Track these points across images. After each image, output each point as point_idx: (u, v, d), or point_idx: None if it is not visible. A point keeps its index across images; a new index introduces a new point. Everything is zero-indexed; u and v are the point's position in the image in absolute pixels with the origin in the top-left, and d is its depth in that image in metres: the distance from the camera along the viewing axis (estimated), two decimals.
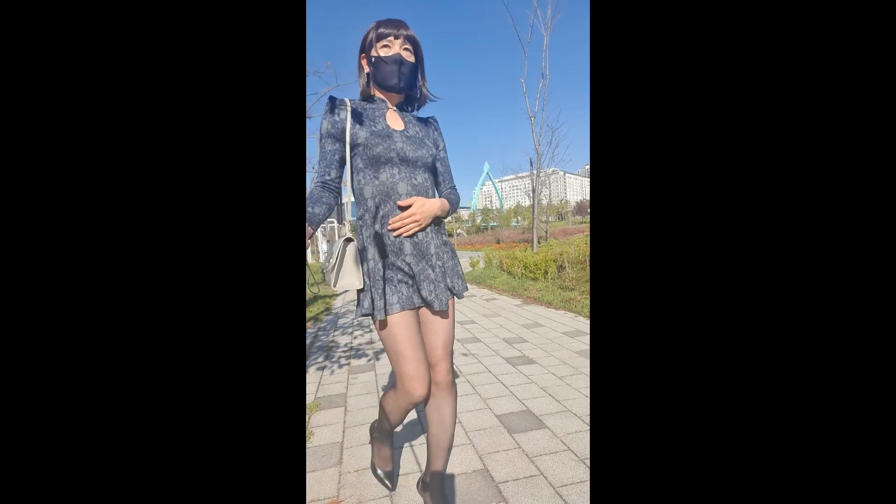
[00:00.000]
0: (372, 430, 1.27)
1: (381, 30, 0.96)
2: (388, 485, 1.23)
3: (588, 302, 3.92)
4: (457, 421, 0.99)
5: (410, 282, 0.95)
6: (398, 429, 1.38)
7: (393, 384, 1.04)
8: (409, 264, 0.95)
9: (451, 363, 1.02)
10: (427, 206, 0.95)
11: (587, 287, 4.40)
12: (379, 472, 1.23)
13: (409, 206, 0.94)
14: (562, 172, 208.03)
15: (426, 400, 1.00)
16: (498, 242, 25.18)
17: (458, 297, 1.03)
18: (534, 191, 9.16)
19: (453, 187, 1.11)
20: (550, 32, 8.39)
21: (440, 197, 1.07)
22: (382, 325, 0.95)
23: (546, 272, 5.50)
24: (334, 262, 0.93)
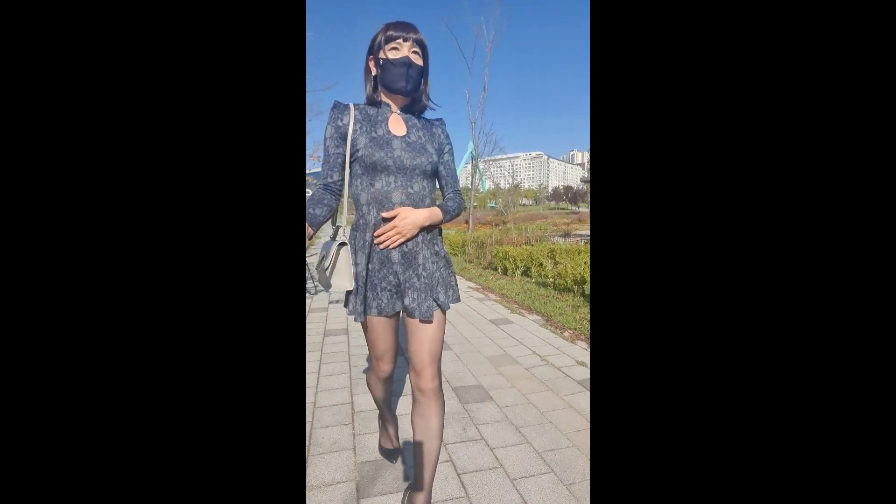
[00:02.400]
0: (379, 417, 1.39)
1: (391, 32, 0.96)
2: (391, 461, 1.37)
3: (476, 271, 5.63)
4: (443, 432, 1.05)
5: (394, 290, 0.99)
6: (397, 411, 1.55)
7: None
8: (395, 273, 0.98)
9: (438, 370, 1.02)
10: (411, 218, 0.95)
11: (479, 261, 6.11)
12: (383, 447, 1.38)
13: (393, 217, 0.96)
14: (546, 157, 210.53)
15: (391, 377, 1.16)
16: (465, 223, 26.81)
17: (444, 309, 1.02)
18: (472, 182, 10.82)
19: (456, 191, 1.11)
20: (492, 53, 9.84)
21: (441, 202, 1.07)
22: (363, 324, 1.03)
23: (465, 249, 7.21)
24: (328, 265, 0.97)
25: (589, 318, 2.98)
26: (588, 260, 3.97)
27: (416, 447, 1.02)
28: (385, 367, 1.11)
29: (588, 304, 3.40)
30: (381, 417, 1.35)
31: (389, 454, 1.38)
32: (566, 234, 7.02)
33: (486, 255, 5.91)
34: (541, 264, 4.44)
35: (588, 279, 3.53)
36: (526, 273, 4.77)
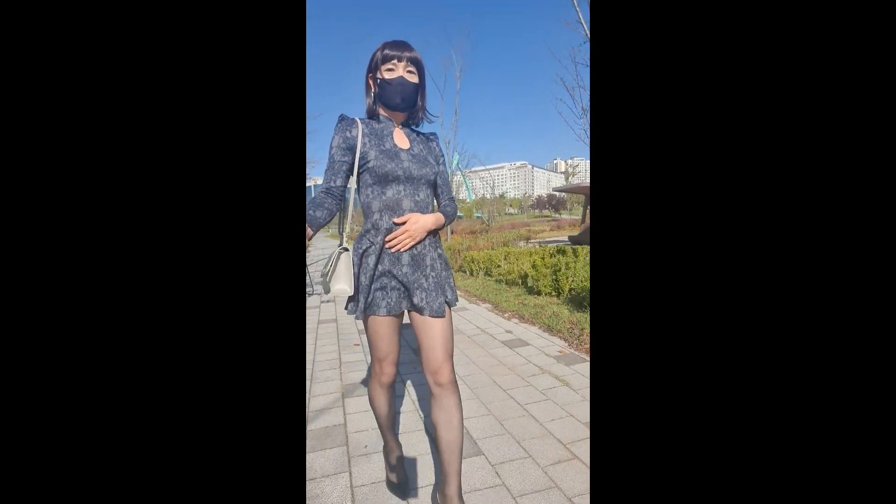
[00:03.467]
0: (384, 453, 1.33)
1: (387, 52, 1.04)
2: (402, 497, 1.27)
3: None
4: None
5: (402, 289, 1.05)
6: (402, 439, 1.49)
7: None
8: (405, 274, 1.04)
9: (452, 366, 1.08)
10: (421, 222, 1.04)
11: (452, 266, 6.92)
12: (391, 482, 1.30)
13: (404, 222, 1.03)
14: (530, 166, 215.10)
15: (393, 381, 1.14)
16: (452, 233, 27.87)
17: (451, 306, 1.10)
18: (457, 193, 11.83)
19: (451, 199, 1.20)
20: (468, 71, 10.86)
21: (439, 209, 1.16)
22: (368, 322, 1.06)
23: None
24: (329, 270, 1.02)
25: (525, 303, 3.83)
26: (533, 260, 4.83)
27: (441, 441, 1.03)
28: (388, 369, 1.12)
29: (528, 293, 4.25)
30: (385, 449, 1.32)
31: (399, 489, 1.28)
32: (527, 239, 7.86)
33: (458, 260, 6.76)
34: (498, 265, 5.30)
35: (529, 274, 4.39)
36: (488, 273, 5.62)
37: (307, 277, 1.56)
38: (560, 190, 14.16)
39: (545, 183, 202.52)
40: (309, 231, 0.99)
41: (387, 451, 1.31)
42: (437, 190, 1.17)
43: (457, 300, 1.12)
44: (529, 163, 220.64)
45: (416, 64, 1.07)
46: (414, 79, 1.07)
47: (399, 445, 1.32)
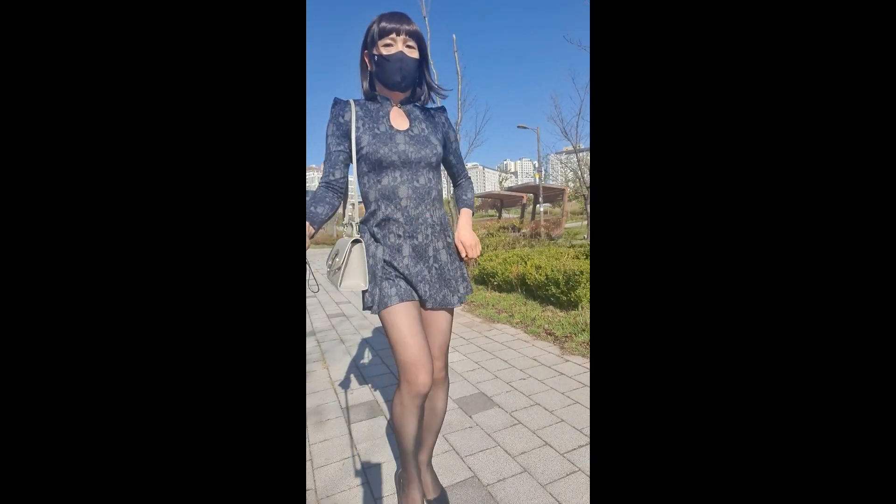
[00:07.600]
0: (397, 479, 1.19)
1: (384, 25, 0.96)
2: None
3: None
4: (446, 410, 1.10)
5: (409, 280, 1.00)
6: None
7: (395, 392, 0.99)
8: (406, 266, 0.99)
9: (446, 361, 1.06)
10: (474, 239, 1.09)
11: None
12: None
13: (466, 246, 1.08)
14: (481, 167, 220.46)
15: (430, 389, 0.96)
16: None
17: (462, 301, 1.03)
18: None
19: (467, 178, 1.16)
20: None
21: (459, 203, 1.16)
22: (384, 317, 0.96)
23: None
24: (341, 263, 0.95)
25: None
26: None
27: (423, 422, 1.05)
28: (421, 376, 0.93)
29: None
30: (402, 478, 1.09)
31: None
32: None
33: None
34: None
35: None
36: None
37: (312, 276, 1.44)
38: (487, 195, 16.05)
39: (496, 183, 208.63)
40: (310, 229, 0.94)
41: (404, 482, 1.08)
42: (452, 169, 1.15)
43: (470, 291, 1.07)
44: (480, 164, 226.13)
45: (416, 37, 0.99)
46: (414, 54, 1.00)
47: (420, 478, 1.07)
